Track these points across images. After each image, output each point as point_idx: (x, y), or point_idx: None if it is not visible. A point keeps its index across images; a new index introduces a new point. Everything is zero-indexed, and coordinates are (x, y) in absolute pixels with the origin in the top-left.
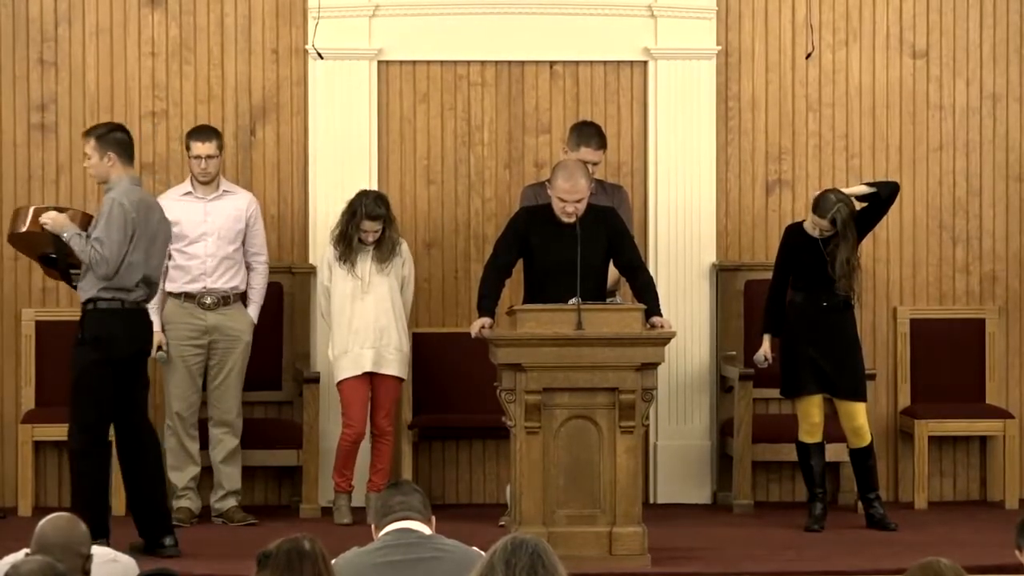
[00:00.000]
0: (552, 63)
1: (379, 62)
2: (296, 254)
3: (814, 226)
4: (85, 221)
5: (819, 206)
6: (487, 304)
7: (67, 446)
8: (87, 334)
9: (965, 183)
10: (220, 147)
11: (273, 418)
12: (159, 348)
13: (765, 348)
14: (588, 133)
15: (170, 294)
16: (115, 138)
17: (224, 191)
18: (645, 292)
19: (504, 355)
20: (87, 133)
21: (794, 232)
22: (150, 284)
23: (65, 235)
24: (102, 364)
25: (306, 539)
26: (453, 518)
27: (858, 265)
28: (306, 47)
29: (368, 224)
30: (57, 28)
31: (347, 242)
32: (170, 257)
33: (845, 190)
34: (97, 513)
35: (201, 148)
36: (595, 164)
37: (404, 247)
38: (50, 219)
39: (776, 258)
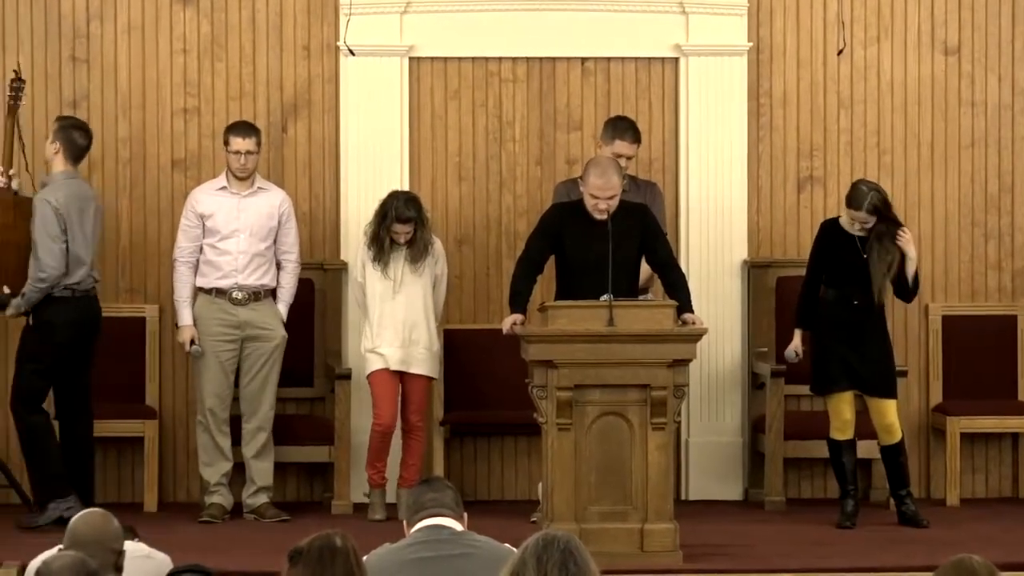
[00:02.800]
0: (584, 60)
1: (410, 59)
2: (328, 251)
3: (852, 221)
4: None
5: (852, 199)
6: (519, 300)
7: (18, 427)
8: (37, 321)
9: (997, 180)
10: (259, 143)
11: (305, 414)
12: (192, 342)
13: (796, 343)
14: (623, 127)
15: (200, 289)
16: (68, 134)
17: (258, 188)
18: (677, 289)
19: (536, 351)
20: (57, 118)
21: (830, 228)
22: (93, 267)
23: (10, 312)
24: (49, 349)
25: (338, 535)
26: (485, 514)
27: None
28: (338, 44)
29: (399, 227)
30: (89, 25)
31: (379, 244)
32: (202, 252)
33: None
34: (45, 477)
35: (240, 144)
36: (629, 158)
37: (438, 246)
38: None
39: (811, 253)
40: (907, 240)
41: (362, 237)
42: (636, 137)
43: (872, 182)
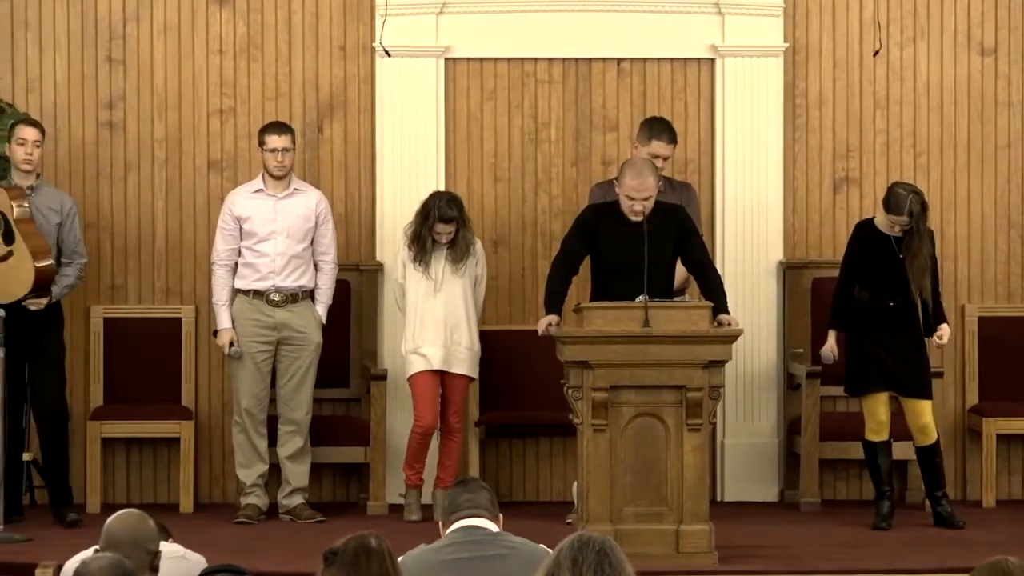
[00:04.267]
0: (619, 60)
1: (446, 59)
2: (364, 252)
3: (891, 224)
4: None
5: (891, 203)
6: (554, 301)
7: (61, 425)
8: (59, 320)
9: None
10: (293, 141)
11: (341, 415)
12: (231, 344)
13: (831, 344)
14: (659, 127)
15: (239, 291)
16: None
17: (295, 189)
18: (713, 290)
19: (571, 352)
20: (38, 125)
21: (865, 229)
22: None
23: (41, 301)
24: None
25: (373, 536)
26: (520, 515)
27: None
28: (374, 44)
29: (441, 227)
30: (125, 26)
31: (421, 243)
32: (240, 254)
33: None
34: (67, 483)
35: (277, 141)
36: (665, 159)
37: (478, 246)
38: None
39: (845, 254)
40: (944, 338)
41: (402, 237)
42: (672, 138)
43: (909, 184)
